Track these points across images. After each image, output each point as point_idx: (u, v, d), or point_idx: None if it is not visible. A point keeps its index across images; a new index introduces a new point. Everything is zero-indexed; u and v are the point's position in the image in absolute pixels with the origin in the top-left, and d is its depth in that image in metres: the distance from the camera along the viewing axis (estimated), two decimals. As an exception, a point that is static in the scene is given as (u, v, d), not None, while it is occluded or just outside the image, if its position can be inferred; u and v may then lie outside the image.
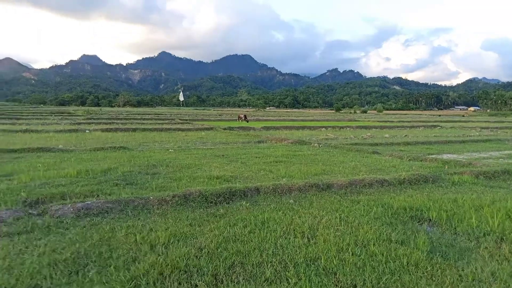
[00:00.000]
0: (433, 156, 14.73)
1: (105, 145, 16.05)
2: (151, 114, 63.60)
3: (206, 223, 5.68)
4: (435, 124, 42.03)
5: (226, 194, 7.23)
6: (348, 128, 34.13)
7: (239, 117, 45.38)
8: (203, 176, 9.22)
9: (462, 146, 19.23)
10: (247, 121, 42.16)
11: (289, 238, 5.02)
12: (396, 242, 4.91)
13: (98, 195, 7.23)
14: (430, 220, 6.08)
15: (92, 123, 34.46)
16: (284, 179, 9.00)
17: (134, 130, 26.15)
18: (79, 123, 33.61)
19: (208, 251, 4.54)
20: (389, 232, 5.26)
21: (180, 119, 45.15)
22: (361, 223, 5.67)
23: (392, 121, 52.71)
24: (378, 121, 51.32)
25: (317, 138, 22.79)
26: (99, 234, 5.10)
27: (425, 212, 6.36)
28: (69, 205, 6.29)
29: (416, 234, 5.23)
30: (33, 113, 57.69)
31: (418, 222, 6.01)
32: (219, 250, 4.58)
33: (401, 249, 4.64)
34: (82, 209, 6.16)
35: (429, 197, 7.50)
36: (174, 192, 7.10)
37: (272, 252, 4.55)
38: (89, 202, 6.46)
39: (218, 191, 7.21)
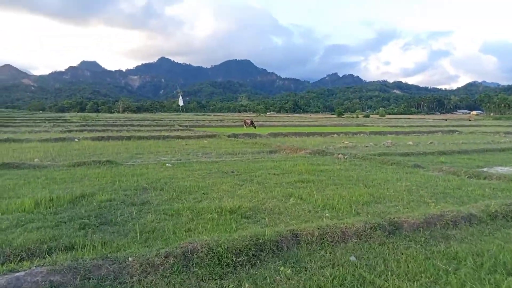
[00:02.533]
0: (485, 169, 12.11)
1: (90, 159, 13.41)
2: (150, 120, 60.93)
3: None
4: (452, 129, 39.34)
5: (250, 249, 4.56)
6: (361, 135, 31.46)
7: (245, 122, 42.47)
8: (210, 209, 6.55)
9: (506, 156, 16.57)
10: (255, 127, 39.37)
11: None
12: None
13: (47, 253, 4.57)
14: None
15: (85, 130, 31.82)
16: (327, 214, 6.34)
17: (129, 138, 23.49)
18: (70, 131, 30.96)
19: None
20: None
21: (180, 126, 42.49)
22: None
23: (402, 126, 50.13)
24: (388, 126, 48.69)
25: (334, 146, 20.13)
26: None
27: None
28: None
29: None
30: (27, 119, 55.06)
31: None
32: None
33: None
34: (3, 293, 3.50)
35: None
36: (168, 248, 4.43)
37: None
38: (21, 273, 3.79)
39: (237, 245, 4.54)
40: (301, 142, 22.63)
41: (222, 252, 4.38)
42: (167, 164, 12.07)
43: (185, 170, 10.99)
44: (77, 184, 8.87)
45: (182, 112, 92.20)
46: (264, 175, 10.20)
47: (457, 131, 37.52)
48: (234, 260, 4.34)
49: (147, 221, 5.90)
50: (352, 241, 5.10)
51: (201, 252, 4.35)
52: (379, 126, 50.18)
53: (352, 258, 4.56)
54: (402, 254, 4.71)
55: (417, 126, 50.13)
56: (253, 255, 4.50)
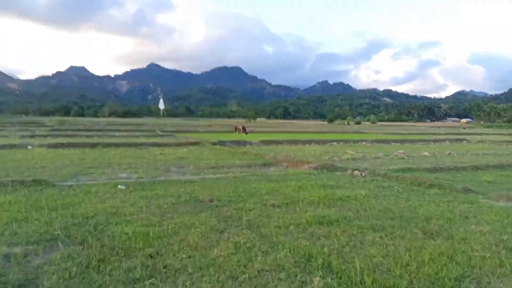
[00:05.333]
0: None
1: (20, 174, 9.83)
2: (133, 124, 56.85)
3: None
4: (460, 138, 36.32)
5: None
6: (364, 143, 28.13)
7: (236, 128, 38.80)
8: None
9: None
10: (246, 133, 35.80)
11: None
12: None
13: None
14: None
15: (50, 135, 27.91)
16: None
17: (94, 146, 19.76)
18: (33, 136, 27.06)
19: None
20: None
21: (162, 131, 38.70)
22: None
23: (401, 133, 47.20)
24: (388, 134, 45.62)
25: (340, 157, 16.75)
26: None
27: None
28: None
29: None
30: (-3, 123, 50.76)
31: None
32: None
33: None
34: None
35: None
36: None
37: None
38: None
39: None
40: (299, 152, 19.20)
41: None
42: (119, 186, 8.48)
43: (141, 198, 7.41)
44: None
45: (163, 116, 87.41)
46: (258, 209, 6.69)
47: (465, 139, 34.55)
48: None
49: None
50: None
51: None
52: (377, 133, 47.09)
53: None
54: None
55: (418, 134, 47.15)
56: None
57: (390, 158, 17.35)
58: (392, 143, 29.05)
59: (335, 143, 27.38)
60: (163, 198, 7.49)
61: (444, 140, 33.20)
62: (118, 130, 37.75)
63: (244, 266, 4.05)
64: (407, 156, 18.56)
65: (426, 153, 19.44)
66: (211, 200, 7.29)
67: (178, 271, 3.89)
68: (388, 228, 5.63)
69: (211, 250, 4.54)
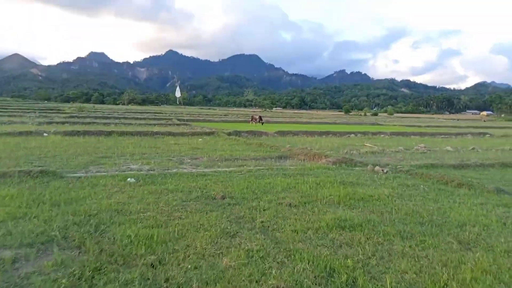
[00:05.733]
0: None
1: (30, 164, 9.58)
2: (150, 112, 56.88)
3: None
4: (482, 131, 34.99)
5: None
6: (382, 135, 27.31)
7: (253, 118, 38.19)
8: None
9: None
10: (262, 123, 35.22)
11: None
12: None
13: None
14: None
15: (68, 122, 27.91)
16: None
17: (109, 134, 19.55)
18: (51, 123, 27.08)
19: None
20: None
21: (178, 119, 38.45)
22: None
23: (419, 126, 45.86)
24: (407, 126, 44.42)
25: (359, 151, 16.11)
26: None
27: None
28: None
29: None
30: (17, 108, 51.44)
31: None
32: None
33: None
34: None
35: None
36: None
37: None
38: None
39: None
40: (316, 144, 18.59)
41: None
42: (128, 179, 8.09)
43: (150, 193, 7.00)
44: None
45: (179, 104, 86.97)
46: (273, 208, 6.19)
47: (488, 133, 33.25)
48: None
49: None
50: None
51: None
52: (395, 125, 45.90)
53: None
54: None
55: (437, 126, 45.81)
56: None
57: (411, 153, 16.61)
58: (412, 136, 28.12)
59: (352, 135, 26.63)
60: (173, 193, 7.06)
61: (466, 133, 32.01)
62: (135, 118, 37.67)
63: (256, 282, 3.57)
64: (429, 150, 17.76)
65: (449, 148, 18.58)
66: (224, 197, 6.83)
67: (181, 287, 3.43)
68: (418, 235, 5.07)
69: (220, 259, 4.08)
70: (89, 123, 28.84)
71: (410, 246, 4.66)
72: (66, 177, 8.29)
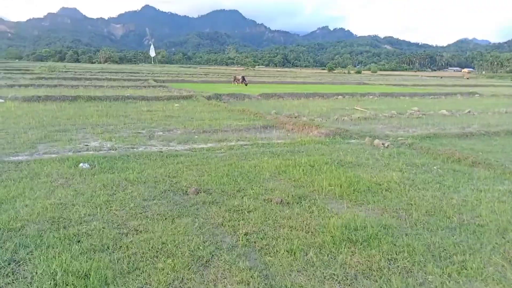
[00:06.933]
0: None
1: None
2: (125, 72, 53.77)
3: None
4: (471, 91, 34.00)
5: None
6: (371, 97, 26.05)
7: (236, 79, 36.05)
8: None
9: None
10: (246, 84, 33.27)
11: None
12: None
13: None
14: None
15: (32, 85, 25.49)
16: None
17: (74, 99, 17.60)
18: (12, 86, 24.68)
19: None
20: None
21: (155, 80, 36.10)
22: None
23: (406, 85, 44.76)
24: (393, 85, 43.26)
25: (350, 116, 14.83)
26: None
27: None
28: None
29: None
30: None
31: None
32: None
33: None
34: None
35: None
36: None
37: None
38: None
39: None
40: (304, 108, 17.20)
41: None
42: (81, 165, 6.56)
43: (104, 186, 5.51)
44: None
45: (154, 63, 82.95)
46: (261, 209, 4.80)
47: (477, 93, 32.35)
48: None
49: None
50: None
51: None
52: (381, 85, 44.59)
53: None
54: None
55: (423, 85, 44.82)
56: None
57: (405, 118, 15.44)
58: (401, 97, 26.97)
59: (340, 96, 25.27)
60: (133, 186, 5.61)
61: (455, 93, 31.04)
62: (108, 79, 35.16)
63: None
64: (424, 114, 16.62)
65: (444, 111, 17.41)
66: (198, 191, 5.41)
67: None
68: (454, 252, 3.81)
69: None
70: (56, 85, 26.49)
71: (448, 275, 3.40)
72: (2, 163, 6.70)
